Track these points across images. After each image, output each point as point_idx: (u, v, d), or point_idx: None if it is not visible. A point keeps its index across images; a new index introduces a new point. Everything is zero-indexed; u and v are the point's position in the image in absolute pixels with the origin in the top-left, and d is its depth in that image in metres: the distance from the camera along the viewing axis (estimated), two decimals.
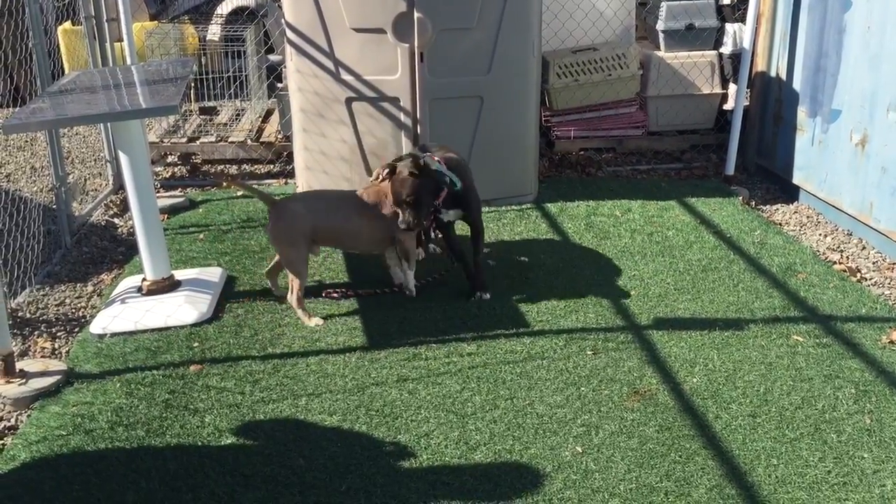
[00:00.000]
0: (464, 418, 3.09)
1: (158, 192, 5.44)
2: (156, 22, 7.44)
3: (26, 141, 6.70)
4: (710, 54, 5.94)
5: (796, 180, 5.36)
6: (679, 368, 3.40)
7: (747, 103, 5.83)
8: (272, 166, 5.93)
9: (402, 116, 4.90)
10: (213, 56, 6.65)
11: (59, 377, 3.32)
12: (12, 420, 3.15)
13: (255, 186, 4.10)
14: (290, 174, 5.67)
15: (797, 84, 5.29)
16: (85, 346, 3.62)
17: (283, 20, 4.91)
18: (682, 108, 6.00)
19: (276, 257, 3.96)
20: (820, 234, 4.88)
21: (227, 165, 6.01)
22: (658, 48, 6.04)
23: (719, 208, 5.12)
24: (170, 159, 6.10)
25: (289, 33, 4.85)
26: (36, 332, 3.79)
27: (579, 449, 2.92)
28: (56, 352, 3.64)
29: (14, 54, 5.14)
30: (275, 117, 6.29)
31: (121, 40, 5.28)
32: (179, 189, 5.62)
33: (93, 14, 5.35)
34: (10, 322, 3.81)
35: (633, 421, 3.07)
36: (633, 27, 6.16)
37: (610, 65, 5.81)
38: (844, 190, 4.85)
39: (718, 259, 4.41)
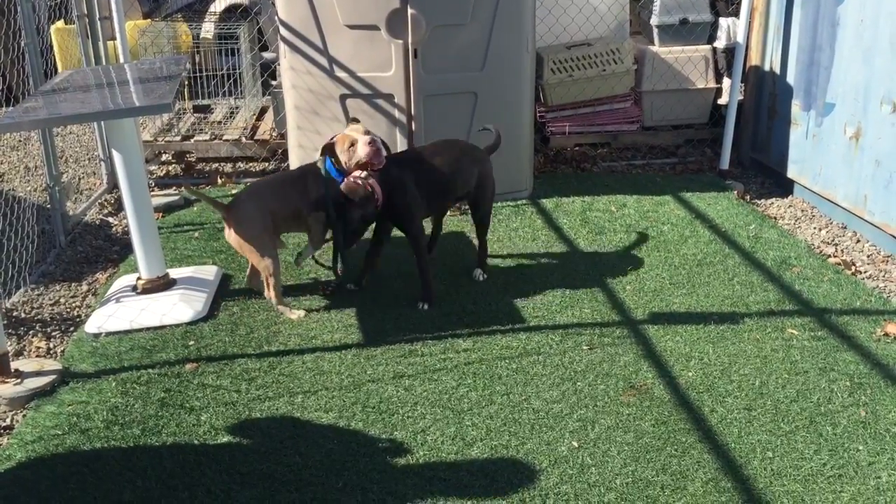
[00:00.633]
0: (460, 414, 3.09)
1: (153, 190, 5.43)
2: (149, 20, 7.42)
3: (20, 140, 6.68)
4: (704, 49, 5.95)
5: (791, 174, 5.37)
6: (674, 363, 3.41)
7: (741, 97, 5.83)
8: (267, 164, 5.93)
9: (396, 113, 4.90)
10: (207, 54, 6.64)
11: (54, 377, 3.31)
12: (8, 420, 3.14)
13: (204, 193, 3.99)
14: None
15: (791, 78, 5.30)
16: (80, 345, 3.62)
17: (276, 17, 4.90)
18: (677, 102, 6.01)
19: (250, 264, 3.95)
20: (814, 228, 4.89)
21: (222, 164, 6.00)
22: (652, 43, 6.05)
23: (714, 203, 5.12)
24: (164, 158, 6.09)
25: (282, 30, 4.84)
26: (31, 332, 3.79)
27: (575, 444, 2.92)
28: (51, 351, 3.64)
29: (6, 53, 5.13)
30: (269, 115, 6.28)
31: (114, 39, 5.27)
32: (174, 188, 5.61)
33: (85, 13, 5.34)
34: (5, 322, 3.81)
35: (629, 415, 3.07)
36: (628, 22, 6.16)
37: (604, 60, 5.81)
38: (839, 183, 4.86)
39: (713, 253, 4.42)
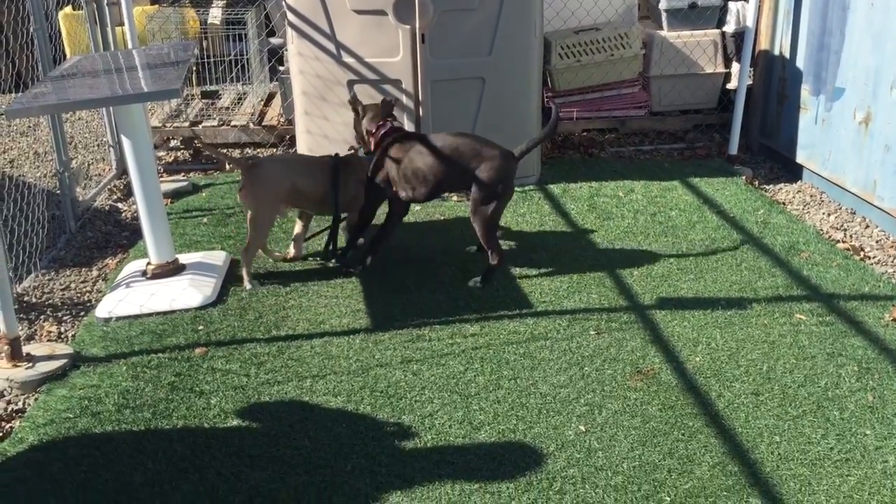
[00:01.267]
0: (467, 398, 3.11)
1: (161, 176, 5.44)
2: (157, 6, 7.42)
3: (29, 126, 6.70)
4: (713, 33, 5.92)
5: (800, 159, 5.35)
6: (682, 348, 3.42)
7: (750, 82, 5.80)
8: (275, 149, 5.93)
9: (404, 98, 4.90)
10: (215, 40, 6.64)
11: (65, 361, 3.34)
12: (20, 403, 3.17)
13: (224, 152, 4.24)
14: None
15: (800, 62, 5.27)
16: (91, 329, 3.64)
17: (284, 3, 4.90)
18: (685, 87, 5.98)
19: (299, 223, 4.23)
20: (823, 213, 4.87)
21: (230, 149, 6.01)
22: (661, 27, 6.02)
23: (722, 188, 5.11)
24: (172, 143, 6.11)
25: (290, 16, 4.84)
26: (42, 317, 3.82)
27: (582, 428, 2.94)
28: (62, 336, 3.67)
29: (15, 39, 5.14)
30: (277, 101, 6.28)
31: (122, 24, 5.27)
32: (182, 173, 5.63)
33: None
34: (17, 306, 3.83)
35: (636, 400, 3.08)
36: (636, 6, 6.13)
37: (612, 45, 5.79)
38: (848, 168, 4.84)
39: (721, 239, 4.41)
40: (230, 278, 4.05)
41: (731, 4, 5.97)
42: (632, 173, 5.36)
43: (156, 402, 3.10)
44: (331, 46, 4.83)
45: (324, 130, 5.01)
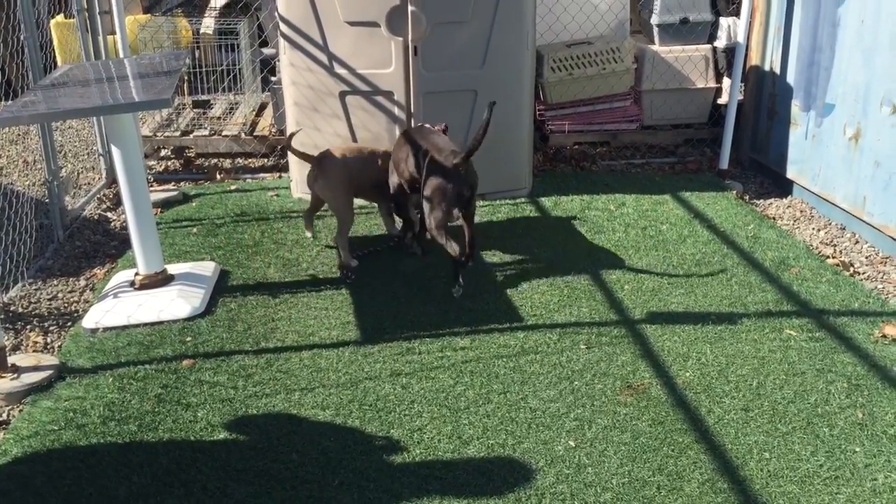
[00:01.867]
0: (457, 413, 3.09)
1: (151, 185, 5.42)
2: (149, 15, 7.41)
3: (19, 134, 6.67)
4: (705, 48, 5.94)
5: (790, 174, 5.37)
6: (672, 362, 3.41)
7: (741, 97, 5.83)
8: (266, 160, 5.92)
9: (395, 110, 4.89)
10: (207, 49, 6.63)
11: (51, 372, 3.31)
12: (4, 415, 3.14)
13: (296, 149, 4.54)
14: (284, 168, 5.66)
15: (791, 78, 5.30)
16: (77, 340, 3.61)
17: (276, 13, 4.89)
18: (677, 102, 6.00)
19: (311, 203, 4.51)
20: (813, 229, 4.88)
21: (221, 159, 6.00)
22: (652, 42, 6.04)
23: (713, 202, 5.12)
24: (163, 153, 6.09)
25: (282, 26, 4.83)
26: (28, 327, 3.78)
27: (572, 443, 2.92)
28: (48, 346, 3.63)
29: (6, 47, 5.12)
30: (268, 111, 6.27)
31: (113, 33, 5.26)
32: (173, 183, 5.61)
33: (85, 7, 5.33)
34: (2, 316, 3.81)
35: (626, 415, 3.07)
36: (628, 21, 6.15)
37: (604, 59, 5.81)
38: (838, 184, 4.85)
39: (712, 253, 4.41)
40: (219, 289, 4.03)
41: (722, 20, 6.00)
42: (623, 187, 5.36)
43: (142, 415, 3.07)
44: (323, 57, 4.82)
45: (315, 141, 5.00)
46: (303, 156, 4.45)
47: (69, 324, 3.82)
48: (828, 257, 4.45)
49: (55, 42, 7.07)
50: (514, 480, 2.74)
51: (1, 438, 2.97)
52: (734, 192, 5.32)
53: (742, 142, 5.87)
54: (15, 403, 3.19)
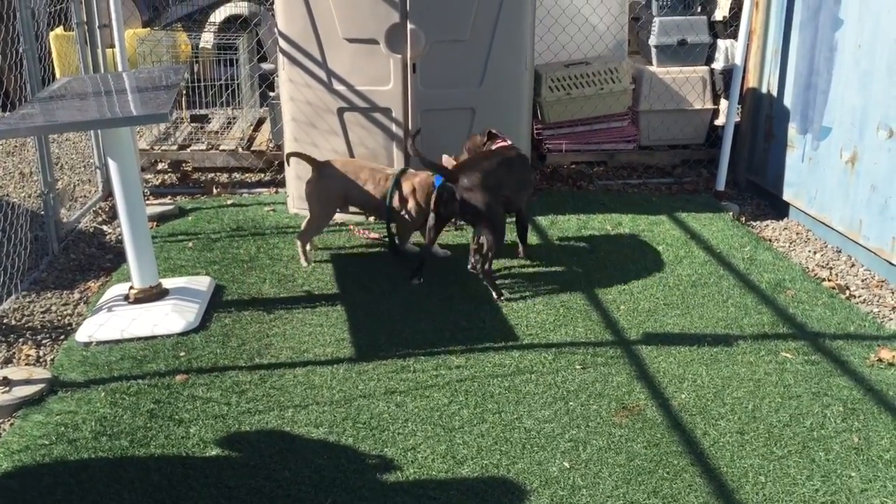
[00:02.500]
0: (451, 432, 3.07)
1: (148, 199, 5.41)
2: (148, 29, 7.42)
3: (15, 146, 6.67)
4: (702, 70, 5.97)
5: (786, 197, 5.38)
6: (668, 384, 3.40)
7: (738, 119, 5.85)
8: (263, 175, 5.92)
9: (393, 127, 4.90)
10: (206, 64, 6.64)
11: (43, 385, 3.28)
12: None
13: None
14: (281, 183, 5.65)
15: (788, 101, 5.32)
16: (70, 354, 3.59)
17: (276, 29, 4.91)
18: (674, 122, 6.02)
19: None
20: (809, 251, 4.89)
21: (218, 174, 5.99)
22: (650, 63, 6.07)
23: (709, 223, 5.12)
24: (160, 167, 6.08)
25: (281, 42, 4.85)
26: (21, 340, 3.76)
27: (567, 464, 2.90)
28: (41, 360, 3.61)
29: (5, 59, 5.12)
30: (266, 126, 6.28)
31: (112, 47, 5.26)
32: (169, 197, 5.60)
33: (85, 20, 5.34)
34: None
35: (621, 437, 3.06)
36: (626, 42, 6.18)
37: (602, 79, 5.83)
38: (834, 207, 4.86)
39: (708, 274, 4.41)
40: (214, 304, 4.01)
41: (720, 42, 6.03)
42: (620, 207, 5.37)
43: (134, 430, 3.05)
44: (322, 74, 4.83)
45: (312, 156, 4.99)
46: (306, 158, 4.51)
47: (62, 337, 3.80)
48: (824, 280, 4.45)
49: (54, 54, 7.09)
50: (509, 501, 2.72)
51: None
52: (731, 213, 5.33)
53: (739, 163, 5.88)
54: (6, 417, 3.16)
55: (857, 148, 4.63)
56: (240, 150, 5.91)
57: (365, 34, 4.72)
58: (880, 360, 3.59)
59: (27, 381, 3.30)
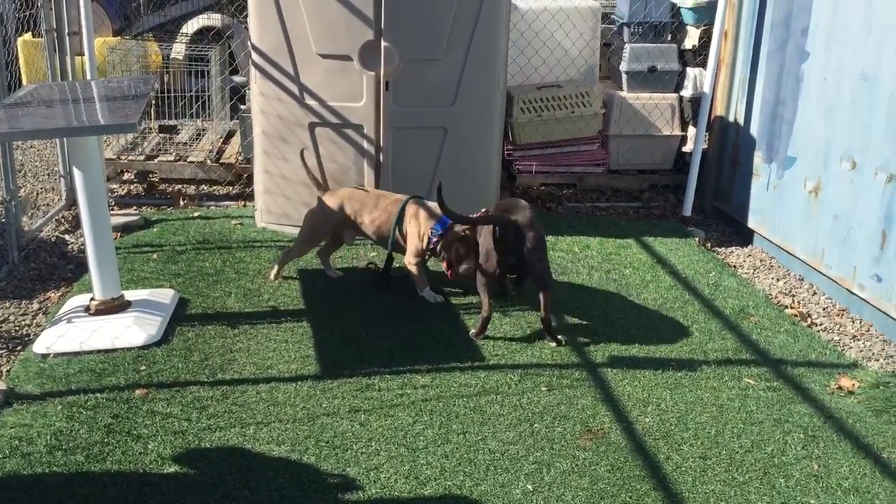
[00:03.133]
0: (415, 452, 3.05)
1: (112, 209, 5.34)
2: (118, 38, 7.35)
3: None
4: (671, 97, 6.05)
5: (751, 224, 5.45)
6: (632, 408, 3.40)
7: (706, 146, 5.93)
8: (231, 188, 5.87)
9: (365, 144, 4.89)
10: (176, 75, 6.59)
11: None
12: None
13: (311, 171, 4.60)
14: (250, 197, 5.61)
15: (754, 130, 5.40)
16: (27, 365, 3.51)
17: (249, 42, 4.88)
18: (643, 148, 6.08)
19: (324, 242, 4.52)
20: (773, 278, 4.95)
21: (185, 185, 5.93)
22: (621, 88, 6.13)
23: (676, 248, 5.17)
24: (126, 177, 6.01)
25: (254, 55, 4.82)
26: None
27: (530, 487, 2.89)
28: None
29: None
30: (236, 139, 6.23)
31: (82, 55, 5.20)
32: (134, 207, 5.52)
33: (54, 27, 5.27)
34: None
35: (585, 460, 3.05)
36: (597, 67, 6.24)
37: (573, 102, 5.87)
38: (797, 236, 4.94)
39: (674, 299, 4.44)
40: (177, 318, 3.95)
41: (689, 70, 6.11)
42: (588, 229, 5.40)
43: (90, 445, 2.98)
44: (294, 88, 4.81)
45: (282, 171, 4.97)
46: (314, 179, 4.53)
47: (19, 348, 3.72)
48: (786, 307, 4.50)
49: (21, 60, 6.99)
50: None
51: None
52: (696, 239, 5.38)
53: (705, 190, 5.95)
54: None
55: (820, 178, 4.71)
56: (208, 162, 5.86)
57: (338, 50, 4.72)
58: (840, 387, 3.63)
59: None
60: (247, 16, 4.93)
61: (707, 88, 5.59)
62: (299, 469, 2.93)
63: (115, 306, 3.86)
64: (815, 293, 4.74)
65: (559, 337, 3.91)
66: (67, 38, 5.35)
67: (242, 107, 6.08)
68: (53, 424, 3.08)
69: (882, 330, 4.25)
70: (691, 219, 5.76)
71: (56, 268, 4.61)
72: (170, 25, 9.22)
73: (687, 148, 6.13)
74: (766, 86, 5.26)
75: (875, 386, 3.63)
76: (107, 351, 3.62)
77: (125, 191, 5.85)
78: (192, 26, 8.15)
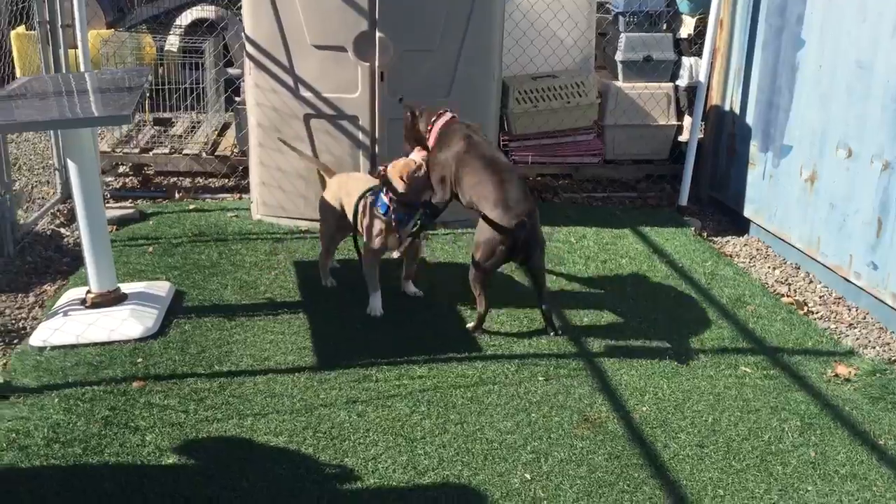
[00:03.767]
0: (412, 442, 3.05)
1: (108, 202, 5.32)
2: (112, 30, 7.32)
3: None
4: (667, 86, 6.04)
5: (747, 213, 5.45)
6: (629, 397, 3.41)
7: (702, 136, 5.92)
8: (227, 180, 5.85)
9: (360, 135, 4.88)
10: (171, 67, 6.57)
11: None
12: None
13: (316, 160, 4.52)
14: (245, 189, 5.60)
15: (750, 118, 5.40)
16: (23, 358, 3.50)
17: (243, 34, 4.87)
18: (639, 137, 6.08)
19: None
20: (769, 267, 4.96)
21: (181, 178, 5.91)
22: (616, 78, 6.12)
23: (672, 238, 5.17)
24: (121, 169, 5.99)
25: (248, 47, 4.81)
26: None
27: (528, 476, 2.90)
28: None
29: None
30: (231, 131, 6.22)
31: (75, 47, 5.17)
32: (130, 200, 5.51)
33: (47, 19, 5.24)
34: None
35: (583, 449, 3.06)
36: (593, 56, 6.23)
37: (569, 92, 5.87)
38: (793, 224, 4.94)
39: (670, 289, 4.45)
40: (173, 310, 3.95)
41: (684, 59, 6.11)
42: (584, 220, 5.40)
43: (88, 438, 2.98)
44: (288, 80, 4.80)
45: (277, 163, 4.96)
46: (321, 167, 4.43)
47: (16, 341, 3.71)
48: (783, 296, 4.51)
49: (14, 53, 6.96)
50: None
51: None
52: (693, 228, 5.39)
53: (701, 179, 5.95)
54: None
55: (816, 166, 4.71)
56: (204, 154, 5.84)
57: (333, 41, 4.71)
58: (837, 375, 3.64)
59: None
60: (241, 7, 4.91)
61: (703, 77, 5.59)
62: (297, 460, 2.93)
63: (112, 299, 3.85)
64: (811, 281, 4.75)
65: (558, 327, 3.91)
66: (61, 30, 5.32)
67: (237, 99, 6.06)
68: (51, 417, 3.08)
69: (878, 318, 4.26)
70: (687, 208, 5.76)
71: (52, 261, 4.59)
72: (164, 17, 9.17)
73: (683, 137, 6.13)
74: (762, 74, 5.25)
75: (871, 373, 3.64)
76: (103, 343, 3.61)
77: (120, 184, 5.84)
78: (186, 18, 8.11)
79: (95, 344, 3.61)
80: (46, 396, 3.21)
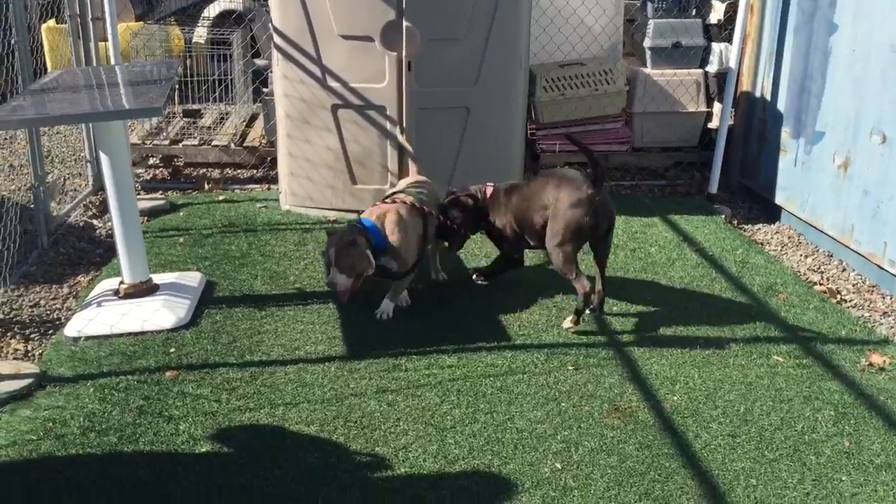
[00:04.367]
0: (443, 431, 3.06)
1: (139, 193, 5.38)
2: (141, 23, 7.38)
3: (6, 139, 6.61)
4: (696, 73, 5.97)
5: (779, 200, 5.39)
6: (659, 386, 3.39)
7: (732, 122, 5.85)
8: (255, 171, 5.89)
9: (387, 125, 4.88)
10: (199, 58, 6.61)
11: (30, 380, 3.25)
12: None
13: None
14: (274, 180, 5.63)
15: (781, 105, 5.33)
16: (59, 348, 3.56)
17: (270, 25, 4.88)
18: (668, 125, 6.02)
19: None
20: (801, 255, 4.90)
21: (210, 169, 5.96)
22: (645, 65, 6.07)
23: (702, 226, 5.13)
24: (151, 161, 6.04)
25: (276, 38, 4.82)
26: (9, 334, 3.72)
27: (558, 465, 2.90)
28: (29, 354, 3.58)
29: None
30: (259, 122, 6.25)
31: (105, 40, 5.22)
32: (160, 192, 5.56)
33: (77, 13, 5.30)
34: None
35: (613, 438, 3.05)
36: (621, 43, 6.18)
37: (597, 80, 5.82)
38: (826, 211, 4.87)
39: (700, 277, 4.41)
40: (205, 300, 3.99)
41: (714, 45, 6.03)
42: None
43: (122, 427, 3.02)
44: (316, 70, 4.81)
45: (306, 154, 4.98)
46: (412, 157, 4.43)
47: (51, 332, 3.77)
48: (815, 284, 4.46)
49: (46, 47, 7.03)
50: (500, 502, 2.71)
51: None
52: (723, 216, 5.33)
53: (731, 166, 5.89)
54: None
55: (849, 153, 4.64)
56: (232, 145, 5.88)
57: (360, 31, 4.71)
58: (871, 364, 3.59)
59: (15, 376, 3.27)
60: None
61: (733, 63, 5.51)
62: (328, 449, 2.95)
63: (144, 290, 3.90)
64: (844, 269, 4.69)
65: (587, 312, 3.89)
66: (91, 23, 5.38)
67: (265, 90, 6.09)
68: (86, 406, 3.13)
69: None
70: (717, 196, 5.70)
71: (85, 252, 4.66)
72: (191, 9, 9.24)
73: (712, 124, 6.06)
74: (794, 60, 5.18)
75: None
76: (137, 334, 3.66)
77: (151, 175, 5.90)
78: (213, 10, 8.16)
79: (129, 334, 3.65)
80: (81, 386, 3.26)
